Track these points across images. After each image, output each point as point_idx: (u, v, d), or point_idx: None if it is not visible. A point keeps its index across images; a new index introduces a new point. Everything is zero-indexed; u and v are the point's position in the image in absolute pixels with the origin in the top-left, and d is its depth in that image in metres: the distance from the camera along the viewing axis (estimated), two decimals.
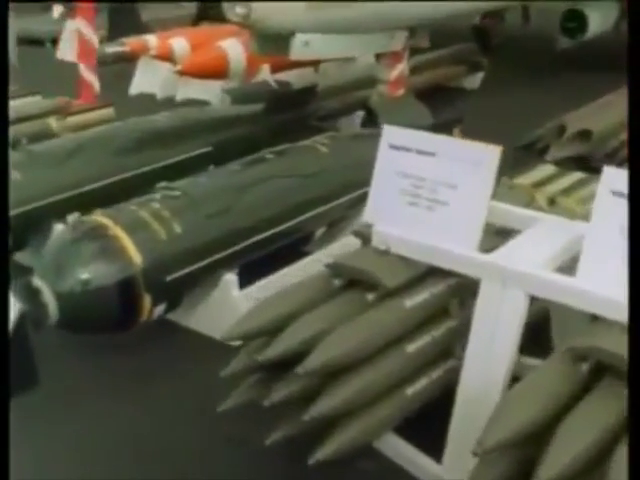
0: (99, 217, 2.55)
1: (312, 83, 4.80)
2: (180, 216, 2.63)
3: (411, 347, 2.10)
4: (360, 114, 5.47)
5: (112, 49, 7.52)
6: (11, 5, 8.53)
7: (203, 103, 6.44)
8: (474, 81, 6.85)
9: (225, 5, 3.52)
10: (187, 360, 2.73)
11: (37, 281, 2.38)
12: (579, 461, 1.53)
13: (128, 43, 7.32)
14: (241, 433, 2.24)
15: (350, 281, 2.18)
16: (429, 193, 2.24)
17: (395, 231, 2.21)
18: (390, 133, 2.35)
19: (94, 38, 4.27)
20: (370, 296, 2.12)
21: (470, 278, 2.11)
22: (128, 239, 2.48)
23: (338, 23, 3.67)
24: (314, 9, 3.50)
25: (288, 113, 4.38)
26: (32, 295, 2.38)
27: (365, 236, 2.35)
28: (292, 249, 3.15)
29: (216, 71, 5.69)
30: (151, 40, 6.90)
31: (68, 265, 2.43)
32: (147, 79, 7.00)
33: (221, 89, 4.93)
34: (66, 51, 8.93)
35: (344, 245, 3.20)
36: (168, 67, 6.79)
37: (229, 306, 2.76)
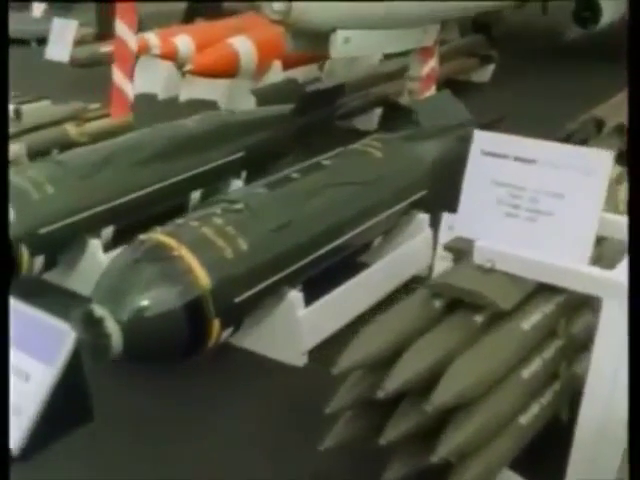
0: (160, 236, 2.34)
1: (340, 81, 4.60)
2: (245, 232, 2.43)
3: (526, 372, 1.92)
4: (378, 112, 5.30)
5: (107, 48, 7.26)
6: None
7: (208, 103, 6.25)
8: (484, 74, 6.68)
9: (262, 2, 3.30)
10: (249, 382, 2.54)
11: (97, 309, 2.17)
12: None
13: None
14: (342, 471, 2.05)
15: (452, 301, 1.99)
16: (530, 203, 2.06)
17: (500, 246, 2.02)
18: (483, 138, 2.17)
19: (133, 43, 3.89)
20: (479, 318, 1.93)
21: (578, 294, 1.93)
22: (194, 259, 2.28)
23: (378, 18, 3.47)
24: (355, 4, 3.30)
25: (317, 113, 4.18)
26: (91, 325, 2.16)
27: (459, 250, 2.16)
28: (348, 260, 2.95)
29: (226, 70, 5.48)
30: (152, 38, 6.64)
31: (132, 290, 2.22)
32: (148, 79, 6.75)
33: (249, 90, 4.69)
34: (56, 51, 8.67)
35: (403, 255, 3.03)
36: (170, 66, 6.56)
37: (294, 325, 2.57)
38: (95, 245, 3.05)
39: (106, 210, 3.08)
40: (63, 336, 2.26)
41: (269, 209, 2.57)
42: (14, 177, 2.99)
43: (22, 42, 9.80)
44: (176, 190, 3.36)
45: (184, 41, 6.15)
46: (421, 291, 2.03)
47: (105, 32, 8.52)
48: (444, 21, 4.10)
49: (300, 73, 6.26)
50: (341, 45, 3.46)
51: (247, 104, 5.84)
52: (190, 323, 2.26)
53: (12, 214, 2.82)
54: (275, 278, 2.47)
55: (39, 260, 2.93)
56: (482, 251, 2.04)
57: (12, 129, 3.73)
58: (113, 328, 2.16)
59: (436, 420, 1.76)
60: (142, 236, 2.37)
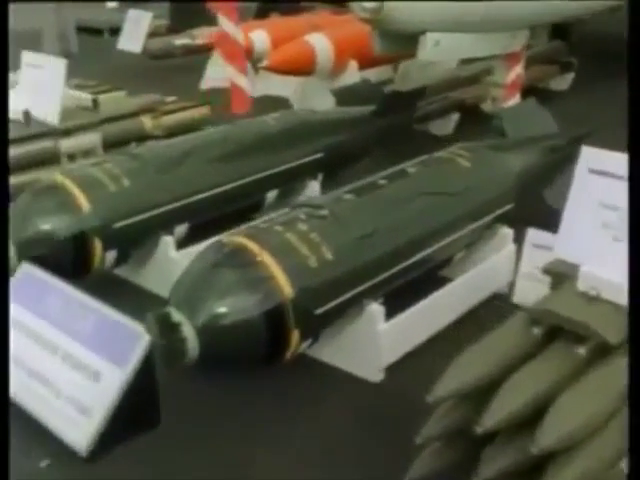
0: (242, 239, 2.24)
1: (421, 85, 4.47)
2: (329, 240, 2.32)
3: (625, 411, 1.78)
4: (454, 117, 5.15)
5: (181, 41, 7.26)
6: None
7: (280, 100, 6.17)
8: (563, 82, 6.47)
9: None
10: (324, 396, 2.43)
11: (174, 313, 2.08)
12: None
13: (201, 35, 7.04)
14: None
15: (552, 329, 1.86)
16: None
17: (607, 273, 1.88)
18: (591, 155, 2.02)
19: (241, 38, 3.67)
20: (582, 350, 1.80)
21: None
22: (277, 267, 2.17)
23: (474, 20, 3.33)
24: (450, 5, 3.16)
25: (397, 116, 4.06)
26: (167, 328, 2.08)
27: (559, 274, 2.02)
28: (429, 273, 2.83)
29: (303, 67, 5.38)
30: None
31: (211, 295, 2.13)
32: (221, 73, 6.69)
33: (329, 90, 4.58)
34: (129, 41, 8.69)
35: (486, 270, 2.90)
36: None
37: (374, 339, 2.46)
38: (168, 242, 2.98)
39: (181, 207, 3.00)
40: (137, 338, 2.18)
41: (354, 217, 2.45)
42: (91, 168, 2.93)
43: (95, 32, 9.86)
44: (252, 189, 3.28)
45: (260, 36, 6.06)
46: (519, 316, 1.90)
47: (178, 25, 8.54)
48: (536, 26, 3.92)
49: (373, 74, 6.14)
50: (430, 48, 3.34)
51: (320, 103, 5.74)
52: (269, 333, 2.16)
53: (87, 205, 2.76)
54: (357, 290, 2.36)
55: (111, 254, 2.86)
56: (587, 277, 1.91)
57: (89, 119, 3.68)
58: (190, 333, 2.07)
59: (535, 459, 1.63)
60: (223, 238, 2.27)
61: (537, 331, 1.86)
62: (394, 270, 2.50)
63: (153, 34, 8.54)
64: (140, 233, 2.93)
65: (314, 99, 5.76)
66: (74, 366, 2.30)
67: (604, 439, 1.68)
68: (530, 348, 1.81)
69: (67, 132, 3.58)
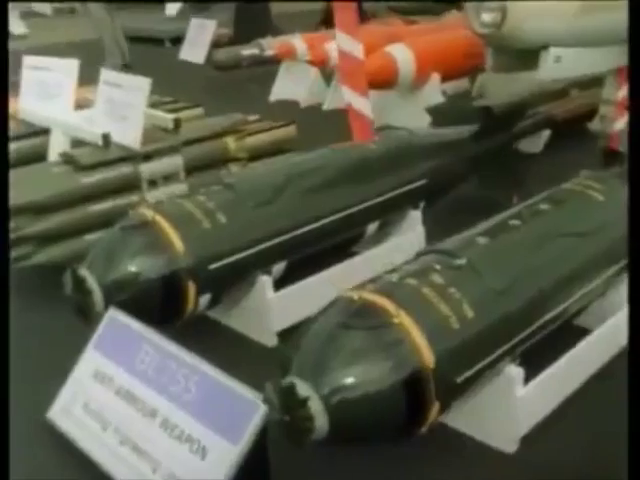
0: (373, 296, 1.93)
1: (515, 100, 4.14)
2: (470, 295, 2.00)
3: None
4: (545, 134, 4.80)
5: (249, 52, 7.01)
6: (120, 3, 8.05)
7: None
8: None
9: (468, 8, 2.85)
10: (458, 468, 2.12)
11: (300, 386, 1.77)
12: None
13: (272, 46, 6.78)
14: None
15: None
16: None
17: None
18: None
19: (361, 54, 3.18)
20: None
21: None
22: (417, 329, 1.87)
23: (604, 32, 2.99)
24: (588, 11, 2.82)
25: (499, 136, 3.74)
26: (291, 401, 1.78)
27: None
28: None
29: (385, 80, 5.07)
30: (298, 43, 6.31)
31: (342, 362, 1.82)
32: (290, 85, 6.42)
33: (424, 108, 4.27)
34: (191, 51, 8.45)
35: (621, 323, 2.55)
36: (314, 72, 6.21)
37: (512, 406, 2.13)
38: (265, 282, 2.68)
39: (280, 243, 2.71)
40: (251, 409, 1.89)
41: (493, 266, 2.13)
42: (182, 201, 2.65)
43: (156, 41, 9.65)
44: (354, 221, 2.98)
45: (335, 47, 5.75)
46: None
47: (241, 34, 8.28)
48: None
49: (448, 87, 5.82)
50: (551, 64, 3.00)
51: (398, 117, 5.45)
52: (406, 406, 1.85)
53: (180, 244, 2.48)
54: (499, 351, 2.03)
55: (205, 298, 2.58)
56: None
57: (170, 141, 3.41)
58: (318, 409, 1.76)
59: None
60: (350, 293, 1.96)
61: None
62: (535, 326, 2.17)
63: (216, 44, 8.31)
64: (236, 273, 2.64)
65: (393, 113, 5.46)
66: (175, 436, 2.02)
67: None
68: None
69: (148, 156, 3.30)
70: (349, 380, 1.80)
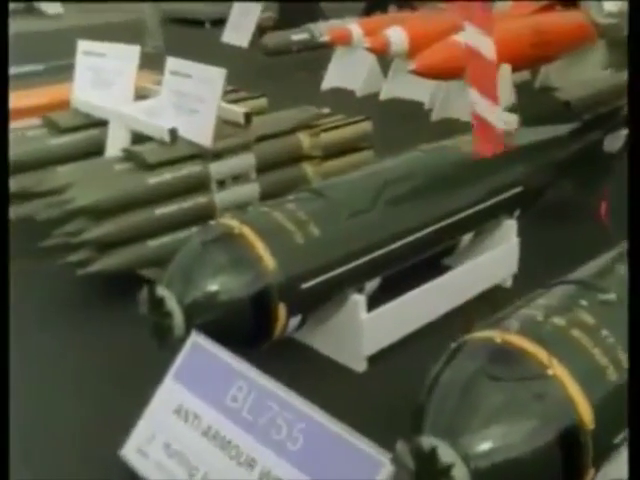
0: (521, 340, 1.63)
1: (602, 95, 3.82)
2: (623, 337, 1.70)
3: None
4: (623, 134, 4.48)
5: (299, 36, 6.71)
6: None
7: (414, 105, 5.56)
8: None
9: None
10: None
11: (444, 450, 1.49)
12: None
13: (323, 31, 6.48)
14: None
15: None
16: None
17: None
18: None
19: (492, 52, 2.59)
20: None
21: None
22: (576, 388, 1.57)
23: None
24: None
25: (591, 136, 3.43)
26: (430, 466, 1.49)
27: None
28: None
29: (453, 71, 4.74)
30: (354, 29, 6.00)
31: (488, 418, 1.53)
32: (344, 73, 6.12)
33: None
34: (234, 34, 8.16)
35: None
36: (371, 59, 5.90)
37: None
38: (358, 302, 2.40)
39: (376, 257, 2.43)
40: (374, 468, 1.61)
41: None
42: (270, 210, 2.37)
43: (196, 23, 9.35)
44: (450, 232, 2.69)
45: (397, 34, 5.44)
46: None
47: (287, 17, 7.98)
48: None
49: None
50: None
51: (461, 109, 5.14)
52: (562, 472, 1.56)
53: (270, 260, 2.20)
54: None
55: (296, 320, 2.30)
56: None
57: (241, 138, 3.12)
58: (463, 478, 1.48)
59: None
60: (489, 333, 1.67)
61: None
62: None
63: (259, 27, 8.03)
64: (329, 292, 2.36)
65: (456, 105, 5.15)
66: None
67: None
68: None
69: (218, 155, 3.01)
70: (499, 443, 1.51)
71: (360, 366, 2.45)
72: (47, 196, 2.87)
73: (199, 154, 2.98)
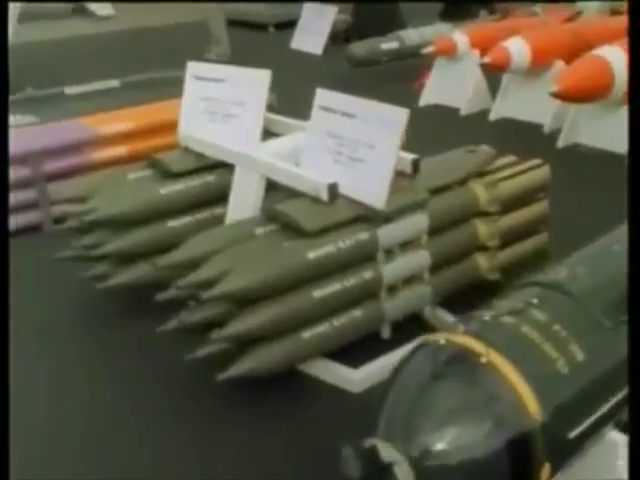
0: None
1: None
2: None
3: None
4: None
5: (389, 45, 6.07)
6: None
7: (529, 127, 4.90)
8: None
9: None
10: None
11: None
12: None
13: (413, 39, 5.86)
14: None
15: None
16: None
17: None
18: None
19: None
20: None
21: None
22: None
23: None
24: None
25: None
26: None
27: None
28: None
29: (600, 93, 4.10)
30: (459, 38, 5.34)
31: None
32: (446, 88, 5.46)
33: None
34: (306, 40, 7.53)
35: None
36: (478, 74, 5.24)
37: None
38: (619, 443, 1.75)
39: None
40: None
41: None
42: (520, 322, 1.71)
43: (258, 27, 8.65)
44: None
45: (518, 47, 4.77)
46: None
47: (363, 21, 7.34)
48: None
49: None
50: None
51: (591, 134, 4.49)
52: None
53: (533, 402, 1.55)
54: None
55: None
56: None
57: (412, 195, 2.47)
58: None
59: None
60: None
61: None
62: None
63: (332, 32, 7.41)
64: (591, 436, 1.71)
65: (589, 129, 4.50)
66: None
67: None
68: None
69: (387, 217, 2.36)
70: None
71: None
72: None
73: (364, 216, 2.34)
